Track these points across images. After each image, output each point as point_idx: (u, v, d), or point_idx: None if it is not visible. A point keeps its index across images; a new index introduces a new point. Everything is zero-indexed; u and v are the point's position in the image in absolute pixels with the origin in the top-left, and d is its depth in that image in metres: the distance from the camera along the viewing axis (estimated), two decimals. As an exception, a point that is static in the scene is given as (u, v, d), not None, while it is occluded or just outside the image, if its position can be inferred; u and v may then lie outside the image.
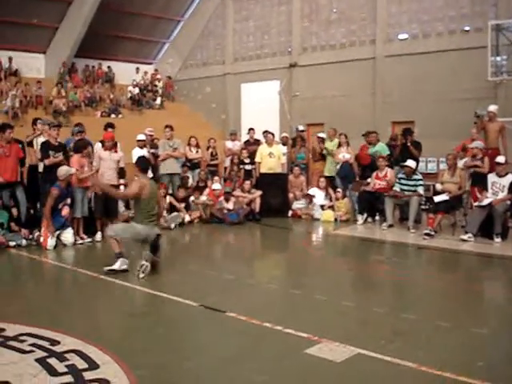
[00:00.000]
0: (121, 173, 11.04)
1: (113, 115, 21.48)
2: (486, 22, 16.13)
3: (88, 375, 4.28)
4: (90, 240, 10.01)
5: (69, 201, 9.69)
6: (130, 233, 7.66)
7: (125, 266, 7.57)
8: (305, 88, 21.23)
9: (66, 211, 9.63)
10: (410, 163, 11.12)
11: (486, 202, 9.87)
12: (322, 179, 13.21)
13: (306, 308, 6.18)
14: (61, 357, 4.62)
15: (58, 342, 4.92)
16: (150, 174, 11.56)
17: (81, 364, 4.48)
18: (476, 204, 10.06)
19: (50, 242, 9.32)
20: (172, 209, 11.99)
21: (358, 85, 19.49)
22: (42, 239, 9.42)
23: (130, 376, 4.26)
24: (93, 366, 4.45)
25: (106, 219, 10.29)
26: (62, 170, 9.58)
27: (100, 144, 11.32)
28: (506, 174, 10.15)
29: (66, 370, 4.38)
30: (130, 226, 7.85)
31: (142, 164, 8.08)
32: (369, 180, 11.97)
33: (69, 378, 4.23)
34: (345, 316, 5.94)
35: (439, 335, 5.25)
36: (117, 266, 7.52)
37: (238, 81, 23.78)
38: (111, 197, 10.00)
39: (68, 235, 9.64)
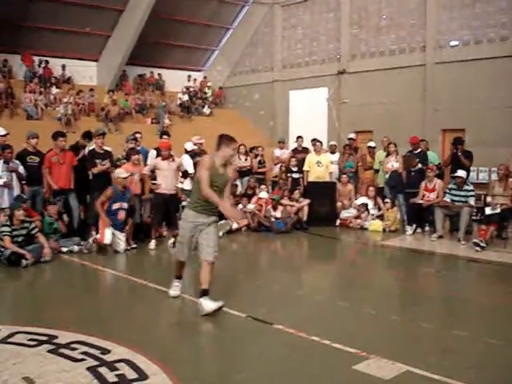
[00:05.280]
0: (185, 175, 11.21)
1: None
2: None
3: (138, 386, 4.36)
4: (135, 246, 10.16)
5: (125, 205, 9.85)
6: None
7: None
8: (353, 95, 21.13)
9: (121, 215, 9.80)
10: (461, 173, 10.94)
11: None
12: (372, 188, 13.11)
13: (354, 321, 6.14)
14: (111, 366, 4.69)
15: (109, 351, 5.01)
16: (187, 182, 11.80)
17: (130, 374, 4.54)
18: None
19: (107, 236, 9.51)
20: (220, 216, 12.04)
21: (407, 92, 19.28)
22: (97, 236, 9.66)
23: (178, 387, 4.31)
24: (142, 376, 4.50)
25: (164, 229, 10.56)
26: (117, 173, 9.87)
27: (155, 152, 11.44)
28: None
29: (116, 379, 4.45)
30: None
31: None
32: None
33: (119, 389, 4.31)
34: (393, 331, 5.87)
35: (490, 353, 5.14)
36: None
37: (286, 88, 23.83)
38: (171, 206, 10.20)
39: (120, 241, 9.82)
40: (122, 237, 9.85)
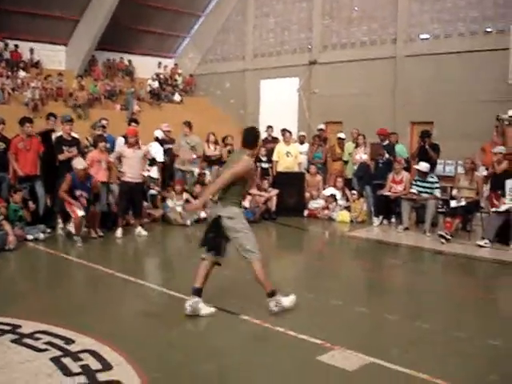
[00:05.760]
0: (152, 163, 11.13)
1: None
2: (509, 24, 15.95)
3: (101, 376, 4.33)
4: (102, 235, 10.04)
5: (85, 194, 9.68)
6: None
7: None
8: (324, 86, 21.18)
9: (83, 201, 9.64)
10: (421, 166, 11.09)
11: (503, 208, 9.81)
12: (340, 179, 13.19)
13: (320, 312, 6.19)
14: (75, 356, 4.67)
15: (73, 341, 4.98)
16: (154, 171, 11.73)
17: (95, 365, 4.52)
18: (493, 210, 9.99)
19: (80, 212, 9.38)
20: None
21: (377, 84, 19.39)
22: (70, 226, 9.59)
23: (143, 378, 4.30)
24: (107, 367, 4.49)
25: (131, 218, 10.49)
26: (74, 163, 9.71)
27: (123, 139, 11.34)
28: (525, 180, 10.09)
29: (80, 370, 4.44)
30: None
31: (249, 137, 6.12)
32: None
33: (83, 379, 4.28)
34: (358, 322, 5.94)
35: (453, 346, 5.24)
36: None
37: (257, 77, 23.79)
38: (137, 194, 10.13)
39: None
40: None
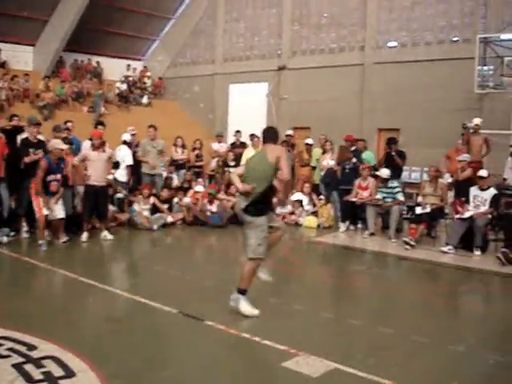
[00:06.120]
0: (115, 166, 11.08)
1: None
2: (475, 33, 16.27)
3: (64, 383, 4.28)
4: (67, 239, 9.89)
5: (59, 176, 9.59)
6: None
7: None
8: (293, 91, 21.27)
9: (54, 187, 9.53)
10: (382, 173, 11.26)
11: (467, 214, 9.97)
12: (307, 184, 13.27)
13: (285, 318, 6.19)
14: (37, 363, 4.61)
15: (35, 348, 4.91)
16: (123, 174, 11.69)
17: (57, 371, 4.47)
18: (457, 216, 10.14)
19: (45, 211, 9.30)
20: (155, 209, 11.94)
21: (345, 90, 19.55)
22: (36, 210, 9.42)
23: (105, 385, 4.27)
24: (69, 373, 4.45)
25: (97, 221, 10.40)
26: (53, 144, 9.62)
27: (89, 142, 11.23)
28: (488, 187, 10.27)
29: (42, 377, 4.39)
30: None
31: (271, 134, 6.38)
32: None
33: (45, 386, 4.23)
34: (323, 328, 5.98)
35: (415, 351, 5.31)
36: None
37: (226, 81, 23.77)
38: (102, 198, 10.06)
39: (56, 207, 9.62)
40: (54, 203, 9.60)
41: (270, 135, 6.31)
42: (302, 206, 12.87)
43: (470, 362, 5.19)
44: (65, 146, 9.84)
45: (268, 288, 7.72)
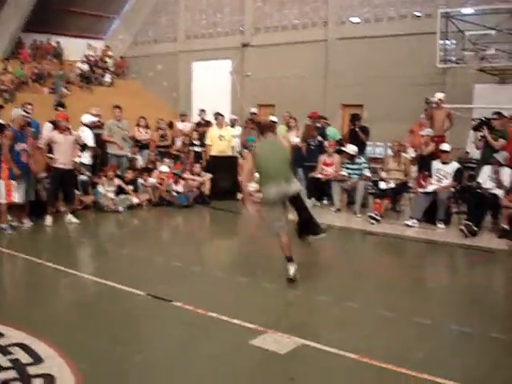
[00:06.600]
0: (84, 148, 10.93)
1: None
2: (437, 8, 16.35)
3: (32, 370, 4.25)
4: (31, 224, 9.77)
5: (25, 146, 9.40)
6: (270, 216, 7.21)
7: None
8: (256, 69, 21.22)
9: (24, 157, 9.36)
10: (349, 149, 11.33)
11: (430, 188, 10.12)
12: (272, 162, 13.25)
13: (253, 297, 6.24)
14: (5, 350, 4.56)
15: (2, 335, 4.86)
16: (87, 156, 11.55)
17: (25, 358, 4.43)
18: (421, 190, 10.29)
19: (14, 195, 9.20)
20: (120, 191, 11.84)
21: (309, 67, 19.58)
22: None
23: (74, 371, 4.24)
24: (37, 360, 4.41)
25: (61, 205, 10.25)
26: (15, 112, 9.55)
27: (50, 125, 11.03)
28: (451, 161, 10.43)
29: (10, 364, 4.34)
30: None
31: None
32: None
33: (13, 373, 4.20)
34: (290, 305, 6.06)
35: (382, 325, 5.40)
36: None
37: (189, 59, 23.59)
38: (69, 181, 9.93)
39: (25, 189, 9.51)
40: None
41: (271, 129, 7.33)
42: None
43: (435, 333, 5.28)
44: (26, 114, 9.67)
45: (237, 268, 7.80)
